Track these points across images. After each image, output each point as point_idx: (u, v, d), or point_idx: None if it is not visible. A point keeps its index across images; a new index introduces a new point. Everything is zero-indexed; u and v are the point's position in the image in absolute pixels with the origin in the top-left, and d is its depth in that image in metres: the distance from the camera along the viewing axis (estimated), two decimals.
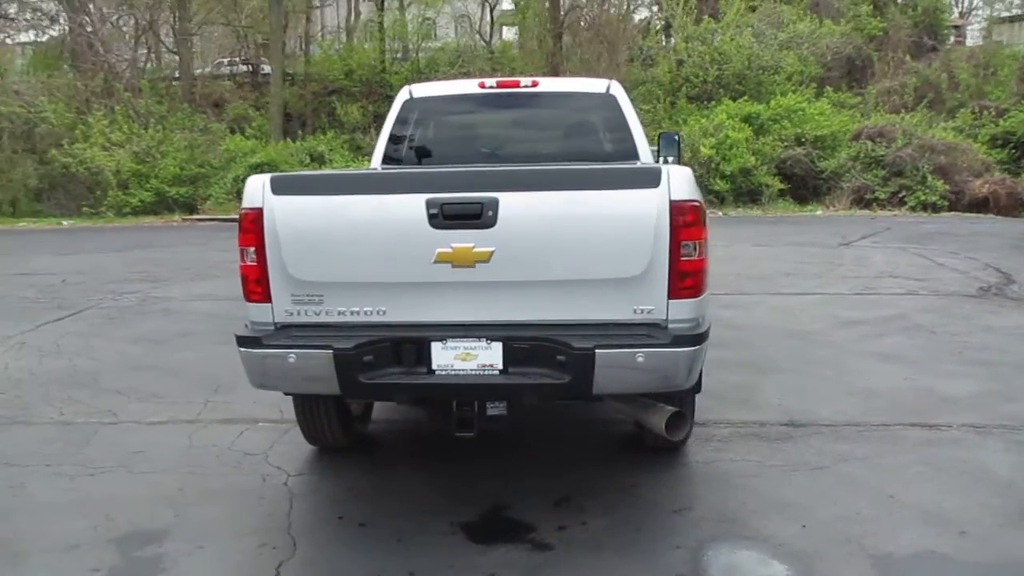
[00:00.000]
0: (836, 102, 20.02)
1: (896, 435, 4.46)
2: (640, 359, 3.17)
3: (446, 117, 5.52)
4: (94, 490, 4.04)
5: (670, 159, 6.79)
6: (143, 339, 7.16)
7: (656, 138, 6.85)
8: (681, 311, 3.26)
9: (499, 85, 5.33)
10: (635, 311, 3.26)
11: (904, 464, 4.07)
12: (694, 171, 12.78)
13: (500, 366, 3.30)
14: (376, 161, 5.45)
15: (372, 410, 4.68)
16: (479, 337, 3.30)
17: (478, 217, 3.21)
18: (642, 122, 5.40)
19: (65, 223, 18.77)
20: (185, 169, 19.99)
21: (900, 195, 16.72)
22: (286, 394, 3.85)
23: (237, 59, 29.26)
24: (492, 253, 3.23)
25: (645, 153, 5.20)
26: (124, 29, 26.28)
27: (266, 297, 3.42)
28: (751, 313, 7.50)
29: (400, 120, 5.42)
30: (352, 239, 3.32)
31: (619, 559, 3.23)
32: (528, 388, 3.33)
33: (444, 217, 3.22)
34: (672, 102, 20.17)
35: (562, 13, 20.54)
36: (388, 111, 5.54)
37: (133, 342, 7.05)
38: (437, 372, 3.33)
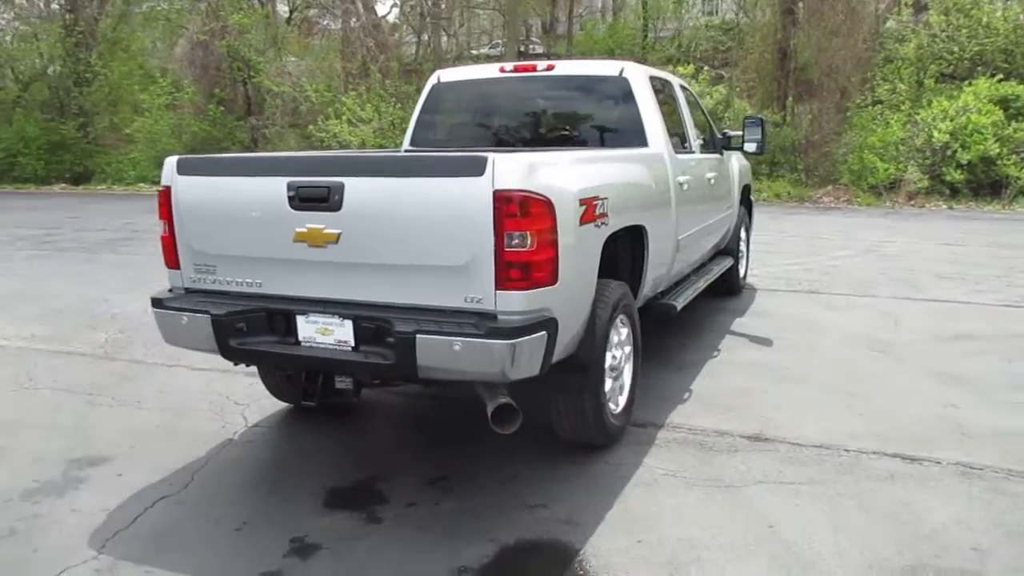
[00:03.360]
0: None
1: (859, 464, 3.94)
2: (456, 347, 3.19)
3: (468, 101, 5.65)
4: (100, 418, 4.77)
5: (755, 144, 6.42)
6: None
7: (742, 123, 6.52)
8: (511, 303, 3.21)
9: (516, 69, 5.35)
10: (466, 299, 3.27)
11: (830, 496, 3.62)
12: (925, 158, 11.87)
13: (352, 343, 3.47)
14: (406, 143, 5.73)
15: None
16: (334, 314, 3.49)
17: (326, 200, 3.39)
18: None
19: None
20: None
21: None
22: None
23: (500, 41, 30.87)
24: (339, 235, 3.41)
25: (656, 139, 4.95)
26: (405, 14, 28.80)
27: (176, 264, 3.87)
28: (846, 316, 6.78)
29: (428, 103, 5.66)
30: (234, 216, 3.64)
31: (427, 542, 3.28)
32: (364, 366, 3.46)
33: (300, 200, 3.44)
34: (919, 82, 18.07)
35: None
36: None
37: None
38: (303, 344, 3.58)
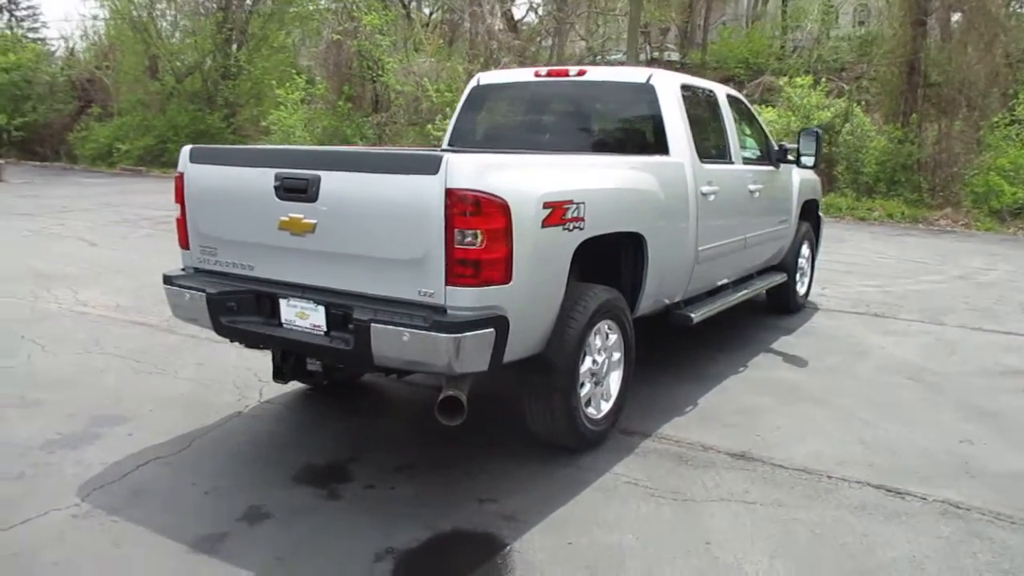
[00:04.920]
0: None
1: (835, 491, 3.80)
2: (405, 338, 3.34)
3: (504, 103, 5.78)
4: (138, 383, 5.20)
5: (810, 158, 6.25)
6: None
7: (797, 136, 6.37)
8: (461, 298, 3.33)
9: (550, 74, 5.42)
10: (420, 292, 3.41)
11: (785, 520, 3.52)
12: None
13: (324, 328, 3.68)
14: (445, 142, 5.92)
15: None
16: (310, 299, 3.71)
17: (305, 192, 3.61)
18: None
19: None
20: None
21: None
22: None
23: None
24: (315, 225, 3.62)
25: (679, 147, 4.91)
26: (541, 18, 29.22)
27: (187, 245, 4.20)
28: (900, 342, 6.45)
29: (468, 104, 5.82)
30: (231, 203, 3.93)
31: (367, 522, 3.43)
32: (329, 351, 3.65)
33: (284, 190, 3.68)
34: None
35: None
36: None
37: None
38: (284, 326, 3.82)
